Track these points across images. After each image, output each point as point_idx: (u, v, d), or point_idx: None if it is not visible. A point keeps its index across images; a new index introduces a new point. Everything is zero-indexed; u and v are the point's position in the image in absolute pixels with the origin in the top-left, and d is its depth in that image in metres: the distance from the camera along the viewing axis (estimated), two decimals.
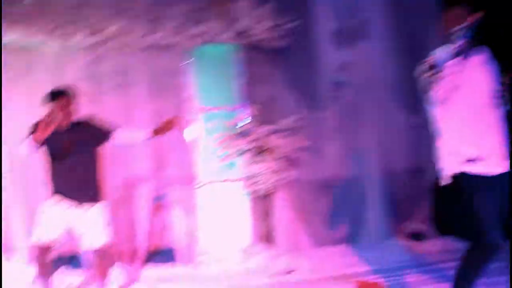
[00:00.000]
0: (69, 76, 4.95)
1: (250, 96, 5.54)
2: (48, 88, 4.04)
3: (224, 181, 5.45)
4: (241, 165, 5.36)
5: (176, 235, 5.38)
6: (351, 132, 5.77)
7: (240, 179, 5.40)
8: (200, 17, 5.22)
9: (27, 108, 4.77)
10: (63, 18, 4.87)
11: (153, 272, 5.05)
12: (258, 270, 5.11)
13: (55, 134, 3.73)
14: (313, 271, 5.06)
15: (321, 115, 5.74)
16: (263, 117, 5.50)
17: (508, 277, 3.26)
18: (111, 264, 4.22)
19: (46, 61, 5.05)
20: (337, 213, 5.69)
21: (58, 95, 3.91)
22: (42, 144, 3.76)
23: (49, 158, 3.97)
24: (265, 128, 5.33)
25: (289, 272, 5.03)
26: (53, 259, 4.01)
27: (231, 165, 5.38)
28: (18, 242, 4.93)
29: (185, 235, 5.35)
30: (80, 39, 4.90)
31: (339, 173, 5.82)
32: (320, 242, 5.60)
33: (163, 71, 5.42)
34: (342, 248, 5.58)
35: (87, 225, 3.96)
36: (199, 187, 5.40)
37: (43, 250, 3.87)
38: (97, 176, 4.08)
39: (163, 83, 5.41)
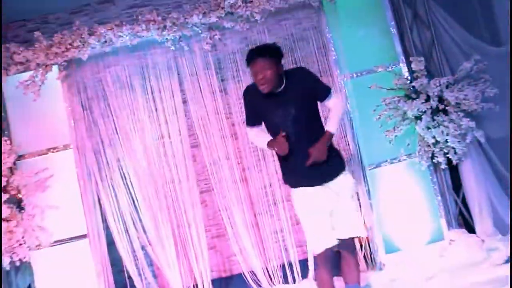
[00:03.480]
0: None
1: (408, 46, 4.73)
2: None
3: (398, 159, 4.57)
4: (416, 134, 4.46)
5: None
6: None
7: (417, 152, 4.48)
8: None
9: None
10: None
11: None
12: (460, 264, 4.15)
13: None
14: None
15: (502, 49, 4.45)
16: (431, 68, 4.62)
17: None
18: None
19: None
20: None
21: None
22: None
23: None
24: (436, 82, 4.34)
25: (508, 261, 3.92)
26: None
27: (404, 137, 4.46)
28: None
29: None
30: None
31: None
32: None
33: (291, 38, 4.81)
34: None
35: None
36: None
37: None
38: None
39: (295, 51, 4.80)
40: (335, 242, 3.27)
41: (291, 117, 3.23)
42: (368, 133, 4.57)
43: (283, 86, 3.26)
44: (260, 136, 3.41)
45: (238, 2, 4.54)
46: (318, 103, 3.37)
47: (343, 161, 3.40)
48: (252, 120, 3.42)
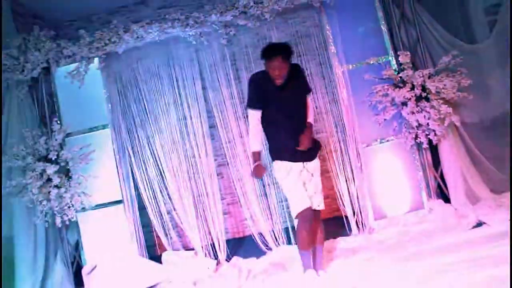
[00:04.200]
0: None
1: (396, 41, 5.11)
2: None
3: (386, 139, 5.10)
4: (401, 118, 4.96)
5: (345, 203, 5.15)
6: None
7: (403, 134, 5.00)
8: None
9: None
10: None
11: (333, 244, 4.88)
12: (437, 229, 4.65)
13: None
14: (503, 221, 4.39)
15: (479, 47, 5.03)
16: (415, 61, 5.06)
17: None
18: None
19: None
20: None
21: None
22: None
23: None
24: (420, 74, 4.86)
25: (477, 226, 4.50)
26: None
27: (391, 120, 4.99)
28: None
29: (354, 201, 5.10)
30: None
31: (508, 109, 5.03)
32: (497, 189, 4.93)
33: (296, 34, 5.25)
34: None
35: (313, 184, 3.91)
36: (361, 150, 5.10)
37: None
38: None
39: (299, 46, 5.24)
40: (309, 205, 3.78)
41: (290, 105, 3.77)
42: (362, 116, 5.05)
43: (287, 79, 3.79)
44: (257, 137, 3.87)
45: (250, 2, 5.01)
46: None
47: (319, 148, 3.99)
48: (258, 104, 3.82)
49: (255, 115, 3.87)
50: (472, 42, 5.05)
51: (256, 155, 3.88)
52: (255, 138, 3.90)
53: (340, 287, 3.79)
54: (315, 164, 3.93)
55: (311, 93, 4.04)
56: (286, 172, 3.85)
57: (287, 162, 3.84)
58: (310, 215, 3.80)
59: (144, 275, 4.96)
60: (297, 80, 3.88)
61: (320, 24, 5.25)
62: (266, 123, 3.89)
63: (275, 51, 3.70)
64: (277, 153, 3.90)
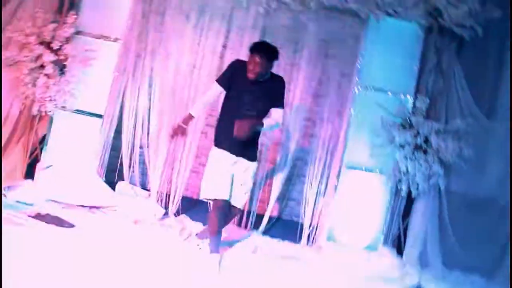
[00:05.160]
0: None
1: (421, 85, 5.08)
2: None
3: (370, 170, 5.08)
4: (393, 158, 4.93)
5: (307, 212, 5.17)
6: None
7: (387, 173, 4.99)
8: None
9: None
10: None
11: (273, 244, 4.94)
12: (377, 277, 4.64)
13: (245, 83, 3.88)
14: None
15: (492, 125, 5.01)
16: (430, 111, 5.03)
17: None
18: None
19: None
20: (486, 239, 4.91)
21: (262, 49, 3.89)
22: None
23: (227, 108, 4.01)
24: (429, 125, 4.84)
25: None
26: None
27: (382, 155, 4.96)
28: None
29: (316, 214, 5.13)
30: None
31: (498, 194, 5.02)
32: (455, 265, 4.90)
33: (332, 35, 5.22)
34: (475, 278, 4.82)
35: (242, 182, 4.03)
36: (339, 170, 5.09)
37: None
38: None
39: (331, 48, 5.23)
40: (227, 198, 3.93)
41: (250, 102, 3.86)
42: (357, 139, 5.04)
43: (263, 80, 3.87)
44: (201, 105, 4.13)
45: None
46: None
47: (257, 155, 4.14)
48: (224, 82, 3.97)
49: (214, 90, 4.06)
50: (489, 117, 5.01)
51: (188, 118, 4.05)
52: (200, 104, 4.20)
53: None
54: (251, 165, 4.06)
55: (280, 110, 4.01)
56: (217, 159, 4.00)
57: (222, 150, 3.97)
58: (225, 207, 3.97)
59: (93, 193, 4.97)
60: (271, 88, 3.96)
61: (357, 35, 5.19)
62: (222, 107, 4.10)
63: (259, 48, 3.88)
64: (216, 139, 4.07)
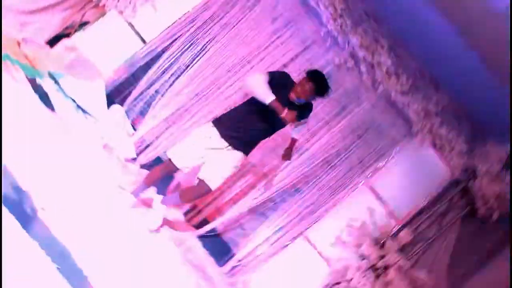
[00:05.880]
0: None
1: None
2: None
3: None
4: None
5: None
6: None
7: None
8: None
9: None
10: None
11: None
12: None
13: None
14: None
15: None
16: None
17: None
18: None
19: None
20: None
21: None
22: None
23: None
24: None
25: None
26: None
27: None
28: None
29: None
30: None
31: None
32: None
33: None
34: None
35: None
36: None
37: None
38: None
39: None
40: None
41: (273, 115, 3.74)
42: None
43: (296, 107, 3.78)
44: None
45: None
46: None
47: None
48: (273, 81, 3.80)
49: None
50: None
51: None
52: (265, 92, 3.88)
53: None
54: (232, 154, 3.94)
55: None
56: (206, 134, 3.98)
57: (216, 131, 3.94)
58: (173, 169, 4.07)
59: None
60: (299, 116, 3.84)
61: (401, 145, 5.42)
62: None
63: (319, 80, 3.81)
64: (218, 120, 4.02)
